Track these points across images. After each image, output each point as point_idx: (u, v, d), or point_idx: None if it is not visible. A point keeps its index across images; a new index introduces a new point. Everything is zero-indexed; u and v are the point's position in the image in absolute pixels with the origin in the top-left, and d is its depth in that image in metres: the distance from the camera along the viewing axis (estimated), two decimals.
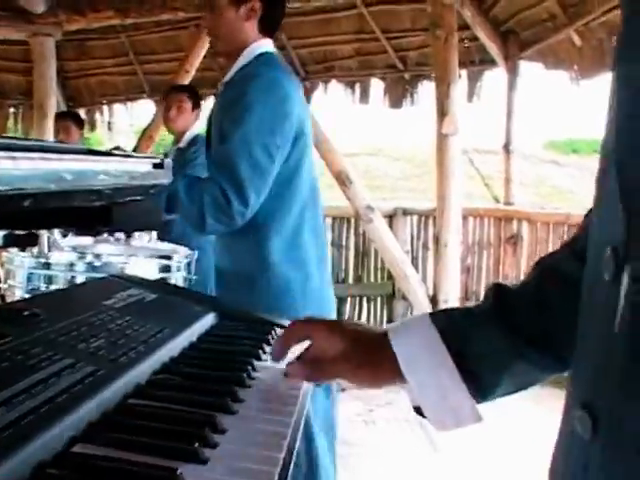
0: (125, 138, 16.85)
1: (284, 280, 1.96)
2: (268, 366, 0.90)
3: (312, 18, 5.81)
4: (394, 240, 5.37)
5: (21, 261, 1.80)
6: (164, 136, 6.08)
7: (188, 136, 4.01)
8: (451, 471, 3.40)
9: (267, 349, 0.98)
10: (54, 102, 5.85)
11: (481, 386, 0.75)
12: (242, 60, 2.03)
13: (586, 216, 0.77)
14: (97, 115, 7.47)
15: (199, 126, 4.16)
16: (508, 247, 5.57)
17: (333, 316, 2.23)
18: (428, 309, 5.05)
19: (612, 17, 4.39)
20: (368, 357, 0.79)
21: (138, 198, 0.92)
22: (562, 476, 0.54)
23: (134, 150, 5.74)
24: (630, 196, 0.46)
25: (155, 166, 0.94)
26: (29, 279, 1.80)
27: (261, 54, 2.03)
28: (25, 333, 0.78)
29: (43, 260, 1.80)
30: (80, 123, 5.12)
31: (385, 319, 6.04)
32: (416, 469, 3.42)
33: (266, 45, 2.07)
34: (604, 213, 0.53)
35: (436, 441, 3.67)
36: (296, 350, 0.87)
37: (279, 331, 1.13)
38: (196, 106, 4.09)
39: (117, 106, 7.50)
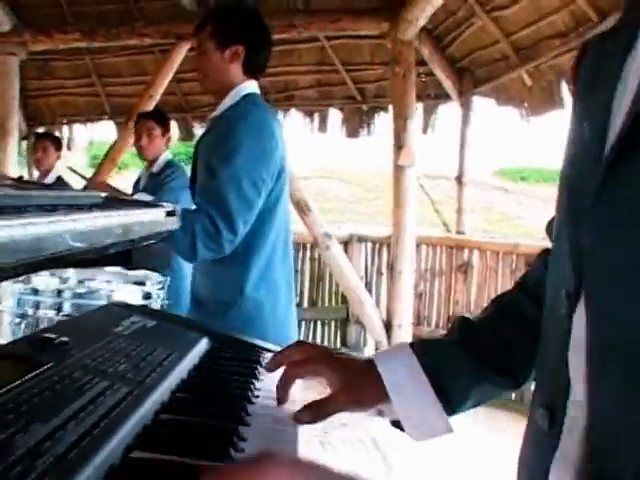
0: (81, 156, 16.84)
1: (256, 304, 2.10)
2: (265, 387, 1.04)
3: (275, 49, 5.95)
4: (350, 266, 5.54)
5: (11, 286, 1.90)
6: (125, 159, 6.15)
7: (161, 161, 4.12)
8: None
9: (260, 370, 1.13)
10: (16, 121, 5.89)
11: (451, 403, 0.91)
12: (229, 100, 2.17)
13: (536, 258, 0.96)
14: (56, 134, 7.52)
15: (169, 151, 4.30)
16: (459, 275, 5.80)
17: (296, 336, 2.37)
18: (382, 333, 5.23)
19: (560, 61, 4.68)
20: (359, 386, 0.94)
21: (153, 242, 1.07)
22: (528, 457, 0.75)
23: (95, 174, 5.79)
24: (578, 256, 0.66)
25: (168, 214, 1.08)
26: (18, 304, 1.90)
27: (247, 94, 2.17)
28: (62, 359, 0.91)
29: (31, 286, 1.91)
30: (58, 145, 5.28)
31: (339, 342, 6.20)
32: None
33: (251, 86, 2.21)
34: (558, 260, 0.72)
35: (390, 461, 3.83)
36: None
37: (267, 355, 1.27)
38: (166, 131, 4.20)
39: (77, 126, 7.55)
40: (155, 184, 3.95)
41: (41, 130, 7.15)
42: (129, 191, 4.24)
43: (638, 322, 0.57)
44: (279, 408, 0.95)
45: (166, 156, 4.17)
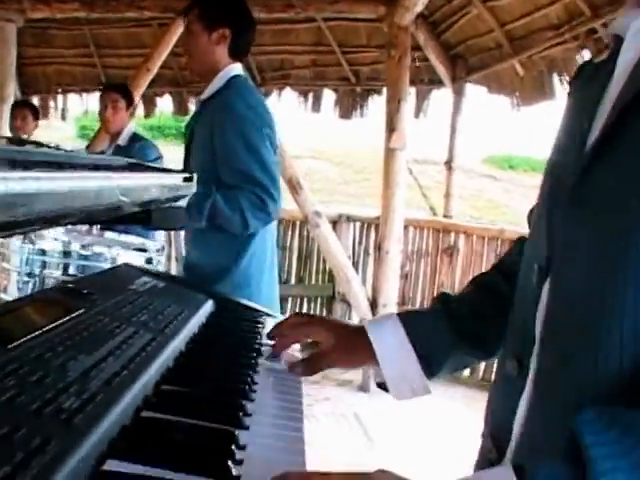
0: (71, 127, 16.79)
1: (245, 276, 2.23)
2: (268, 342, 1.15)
3: (272, 27, 6.03)
4: (338, 245, 5.63)
5: (20, 247, 1.98)
6: None
7: (126, 133, 4.21)
8: (384, 460, 3.68)
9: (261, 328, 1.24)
10: (12, 88, 5.90)
11: (431, 367, 1.03)
12: (217, 82, 2.26)
13: (515, 242, 1.08)
14: (51, 103, 7.53)
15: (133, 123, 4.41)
16: (445, 257, 5.92)
17: (277, 309, 2.49)
18: (368, 312, 5.34)
19: (552, 53, 4.78)
20: (350, 346, 1.06)
21: (171, 205, 1.16)
22: (497, 402, 0.87)
23: (90, 143, 5.84)
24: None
25: (185, 179, 1.18)
26: (26, 263, 1.99)
27: (234, 77, 2.26)
28: (91, 307, 1.01)
29: (39, 247, 2.00)
30: (36, 114, 5.36)
31: None
32: (353, 459, 3.69)
33: (236, 69, 2.31)
34: (536, 237, 0.82)
35: (371, 434, 3.96)
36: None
37: (267, 318, 1.38)
38: (130, 104, 4.29)
39: (71, 96, 7.56)
40: (127, 156, 4.00)
41: (36, 98, 7.17)
42: None
43: (586, 291, 0.69)
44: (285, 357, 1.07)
45: (130, 128, 4.26)
